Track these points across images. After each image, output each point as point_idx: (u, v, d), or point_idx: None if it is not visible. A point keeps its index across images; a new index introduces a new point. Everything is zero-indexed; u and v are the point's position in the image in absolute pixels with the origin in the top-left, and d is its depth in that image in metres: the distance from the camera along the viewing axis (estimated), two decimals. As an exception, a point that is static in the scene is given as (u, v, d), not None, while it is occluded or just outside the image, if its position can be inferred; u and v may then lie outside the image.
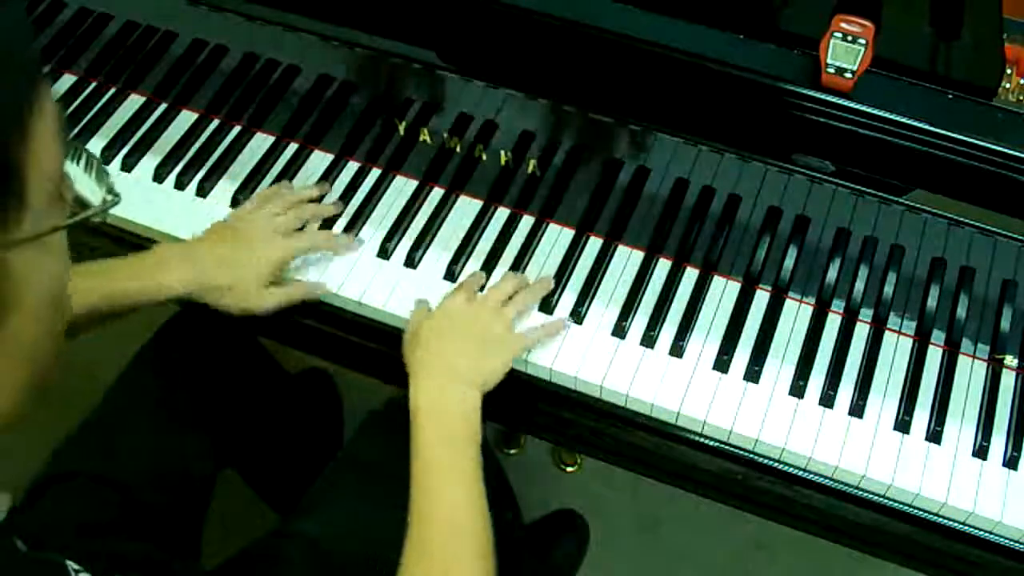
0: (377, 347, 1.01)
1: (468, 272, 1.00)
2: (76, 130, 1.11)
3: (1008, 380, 0.94)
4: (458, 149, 1.05)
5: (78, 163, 0.53)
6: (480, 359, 0.88)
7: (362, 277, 1.00)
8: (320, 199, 1.05)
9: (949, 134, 0.84)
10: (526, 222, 1.04)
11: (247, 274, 0.93)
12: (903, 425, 0.91)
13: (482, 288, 0.98)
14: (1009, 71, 0.89)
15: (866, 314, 0.97)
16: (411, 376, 0.87)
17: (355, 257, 1.01)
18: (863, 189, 0.89)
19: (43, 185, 0.44)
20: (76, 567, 0.58)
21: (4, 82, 0.42)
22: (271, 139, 1.11)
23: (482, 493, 0.81)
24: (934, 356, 0.95)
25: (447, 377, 0.86)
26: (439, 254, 1.02)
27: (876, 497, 0.89)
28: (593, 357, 0.94)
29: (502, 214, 1.05)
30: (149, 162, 1.09)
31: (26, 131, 0.43)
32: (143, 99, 1.14)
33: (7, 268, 0.43)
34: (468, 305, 0.92)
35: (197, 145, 1.10)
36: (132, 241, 1.05)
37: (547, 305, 0.98)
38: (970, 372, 0.94)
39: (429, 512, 0.79)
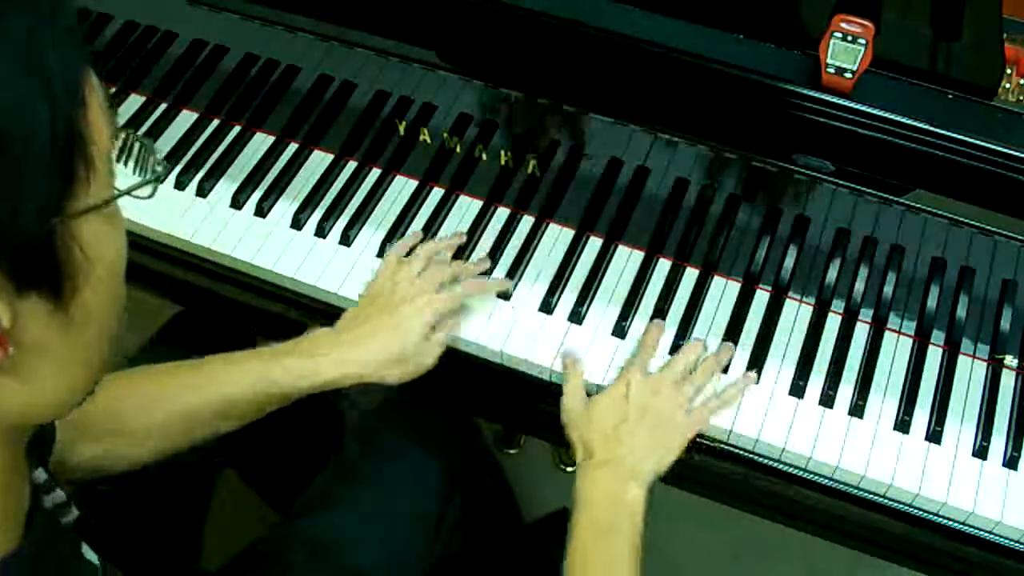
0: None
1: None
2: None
3: (1008, 380, 0.94)
4: (458, 149, 1.05)
5: (123, 145, 0.55)
6: (655, 448, 0.85)
7: (362, 278, 0.99)
8: (464, 248, 1.01)
9: (949, 134, 0.84)
10: (526, 222, 1.04)
11: (406, 350, 0.89)
12: (903, 425, 0.91)
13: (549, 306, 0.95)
14: (1009, 71, 0.89)
15: (866, 314, 0.97)
16: (580, 455, 0.85)
17: (354, 258, 1.01)
18: (863, 189, 0.89)
19: (103, 156, 0.47)
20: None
21: (67, 54, 0.43)
22: (271, 139, 1.11)
23: None
24: (934, 356, 0.95)
25: (618, 468, 0.83)
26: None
27: (876, 497, 0.89)
28: (593, 357, 0.94)
29: (502, 214, 1.05)
30: (149, 162, 1.09)
31: (85, 101, 0.45)
32: (143, 99, 1.14)
33: (79, 237, 0.45)
34: (646, 388, 0.87)
35: (197, 145, 1.10)
36: (132, 240, 1.05)
37: (547, 306, 0.98)
38: (970, 372, 0.94)
39: None
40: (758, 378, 0.93)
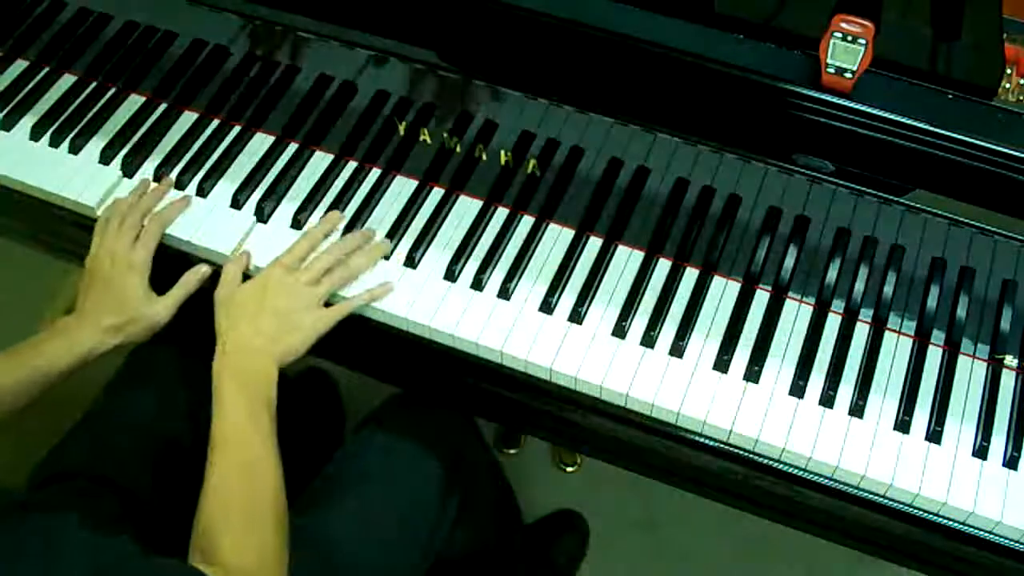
0: (375, 347, 1.01)
1: (469, 274, 1.00)
2: (76, 130, 1.11)
3: (1008, 380, 0.94)
4: (458, 149, 1.05)
5: None
6: (278, 337, 0.92)
7: (362, 277, 1.00)
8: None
9: (949, 134, 0.84)
10: (526, 222, 1.04)
11: (118, 306, 0.97)
12: (903, 425, 0.91)
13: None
14: (1009, 71, 0.89)
15: (866, 314, 0.97)
16: (217, 340, 0.93)
17: (355, 257, 1.01)
18: (863, 189, 0.89)
19: None
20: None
21: None
22: (271, 139, 1.11)
23: (275, 449, 0.88)
24: (934, 356, 0.95)
25: (245, 350, 0.91)
26: (439, 254, 1.02)
27: (876, 497, 0.89)
28: (593, 357, 0.94)
29: (502, 214, 1.05)
30: (149, 163, 1.09)
31: None
32: (143, 99, 1.14)
33: None
34: (282, 280, 0.95)
35: (197, 145, 1.10)
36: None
37: (547, 306, 0.98)
38: (970, 372, 0.94)
39: (226, 460, 0.86)
40: (758, 378, 0.93)
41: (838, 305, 0.98)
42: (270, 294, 0.94)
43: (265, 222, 1.04)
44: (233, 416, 0.87)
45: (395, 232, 1.03)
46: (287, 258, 0.97)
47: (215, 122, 1.12)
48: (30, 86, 1.15)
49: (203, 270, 1.01)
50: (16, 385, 0.92)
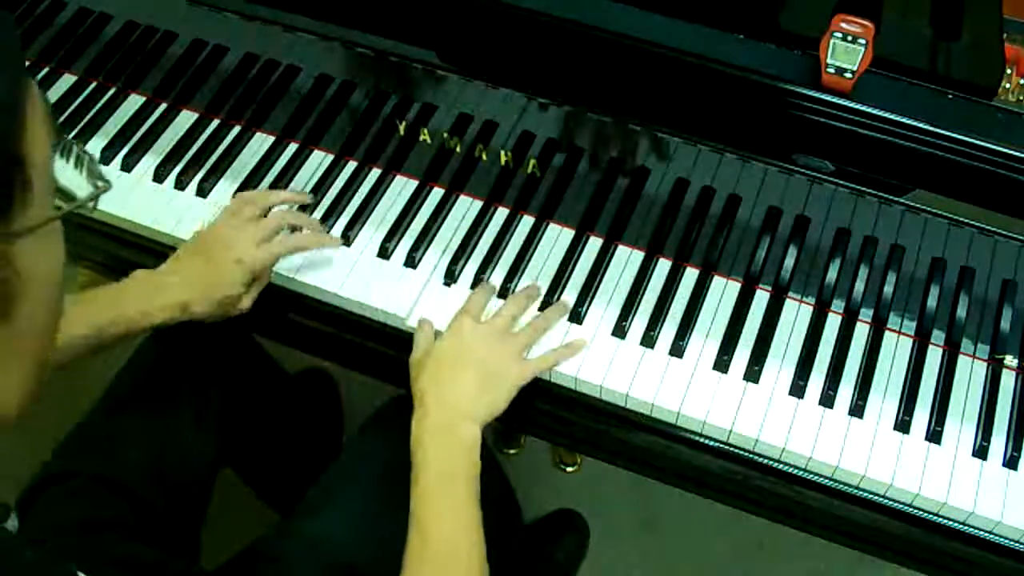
0: (377, 347, 1.01)
1: (469, 274, 1.00)
2: (76, 130, 1.11)
3: (1008, 380, 0.94)
4: (458, 149, 1.05)
5: (65, 157, 0.53)
6: (484, 393, 0.87)
7: (363, 277, 1.00)
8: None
9: (949, 134, 0.84)
10: (526, 222, 1.04)
11: (223, 285, 0.93)
12: (903, 425, 0.91)
13: (503, 293, 0.98)
14: (1009, 71, 0.89)
15: (866, 314, 0.97)
16: (416, 404, 0.87)
17: (355, 257, 1.01)
18: (863, 189, 0.89)
19: (42, 174, 0.46)
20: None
21: (4, 79, 0.42)
22: (271, 139, 1.11)
23: (478, 524, 0.82)
24: (934, 356, 0.95)
25: (449, 412, 0.85)
26: (439, 254, 1.02)
27: (876, 497, 0.89)
28: (593, 357, 0.94)
29: (502, 214, 1.05)
30: (149, 162, 1.09)
31: (25, 123, 0.44)
32: (143, 99, 1.14)
33: (14, 258, 0.45)
34: (475, 332, 0.91)
35: (197, 145, 1.10)
36: (133, 241, 1.05)
37: (547, 306, 0.98)
38: (970, 372, 0.94)
39: (424, 541, 0.80)
40: (758, 378, 0.93)
41: (838, 305, 0.98)
42: (469, 347, 0.89)
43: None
44: (433, 496, 0.82)
45: (395, 232, 1.03)
46: (472, 308, 0.93)
47: (215, 122, 1.12)
48: (30, 86, 1.15)
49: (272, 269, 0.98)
50: (91, 334, 0.86)
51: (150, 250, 1.04)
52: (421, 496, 0.82)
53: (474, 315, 0.93)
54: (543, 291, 0.98)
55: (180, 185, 1.07)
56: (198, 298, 0.91)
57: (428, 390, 0.87)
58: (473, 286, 0.99)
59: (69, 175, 0.51)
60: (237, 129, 1.11)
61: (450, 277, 1.00)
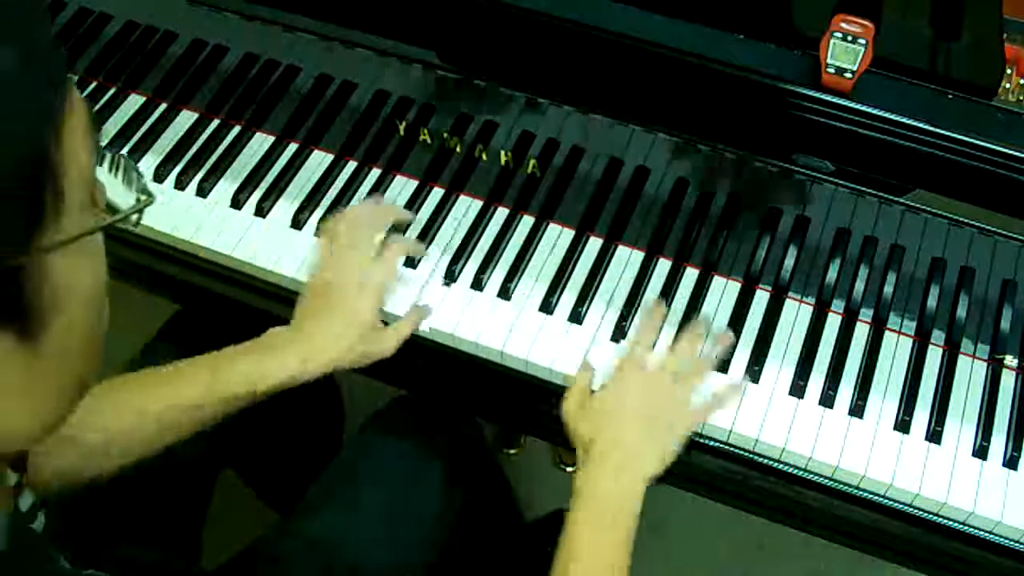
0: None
1: (469, 274, 1.00)
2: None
3: (1008, 380, 0.94)
4: (458, 149, 1.05)
5: (109, 168, 0.52)
6: (657, 452, 0.84)
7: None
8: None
9: (949, 134, 0.84)
10: (526, 222, 1.04)
11: (354, 332, 0.89)
12: (903, 425, 0.91)
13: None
14: (1009, 71, 0.89)
15: (866, 314, 0.97)
16: (580, 453, 0.85)
17: (355, 257, 1.01)
18: (863, 189, 0.89)
19: (78, 185, 0.44)
20: None
21: (38, 79, 0.41)
22: (271, 139, 1.11)
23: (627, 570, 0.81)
24: (934, 356, 0.95)
25: (619, 468, 0.83)
26: (439, 254, 1.02)
27: (876, 497, 0.89)
28: (593, 358, 0.94)
29: (502, 214, 1.05)
30: (149, 162, 1.09)
31: (60, 129, 0.42)
32: (143, 99, 1.14)
33: (50, 271, 0.42)
34: (644, 383, 0.87)
35: (197, 145, 1.10)
36: (133, 241, 1.05)
37: (548, 306, 0.97)
38: (970, 372, 0.94)
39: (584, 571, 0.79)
40: (758, 378, 0.93)
41: (838, 305, 0.98)
42: (638, 397, 0.85)
43: (263, 217, 1.04)
44: (586, 551, 0.80)
45: (395, 232, 1.03)
46: (638, 355, 0.89)
47: (215, 122, 1.12)
48: (30, 86, 1.15)
49: (429, 312, 0.95)
50: (202, 403, 0.83)
51: (151, 251, 1.04)
52: (574, 541, 0.80)
53: (641, 363, 0.88)
54: (544, 291, 0.98)
55: (180, 185, 1.07)
56: (344, 349, 0.88)
57: (596, 443, 0.84)
58: (473, 286, 0.99)
59: (111, 186, 0.49)
60: (237, 129, 1.11)
61: (450, 277, 1.00)
